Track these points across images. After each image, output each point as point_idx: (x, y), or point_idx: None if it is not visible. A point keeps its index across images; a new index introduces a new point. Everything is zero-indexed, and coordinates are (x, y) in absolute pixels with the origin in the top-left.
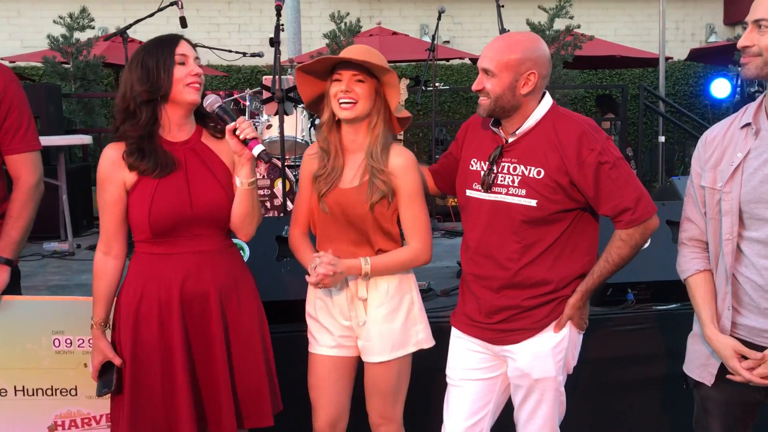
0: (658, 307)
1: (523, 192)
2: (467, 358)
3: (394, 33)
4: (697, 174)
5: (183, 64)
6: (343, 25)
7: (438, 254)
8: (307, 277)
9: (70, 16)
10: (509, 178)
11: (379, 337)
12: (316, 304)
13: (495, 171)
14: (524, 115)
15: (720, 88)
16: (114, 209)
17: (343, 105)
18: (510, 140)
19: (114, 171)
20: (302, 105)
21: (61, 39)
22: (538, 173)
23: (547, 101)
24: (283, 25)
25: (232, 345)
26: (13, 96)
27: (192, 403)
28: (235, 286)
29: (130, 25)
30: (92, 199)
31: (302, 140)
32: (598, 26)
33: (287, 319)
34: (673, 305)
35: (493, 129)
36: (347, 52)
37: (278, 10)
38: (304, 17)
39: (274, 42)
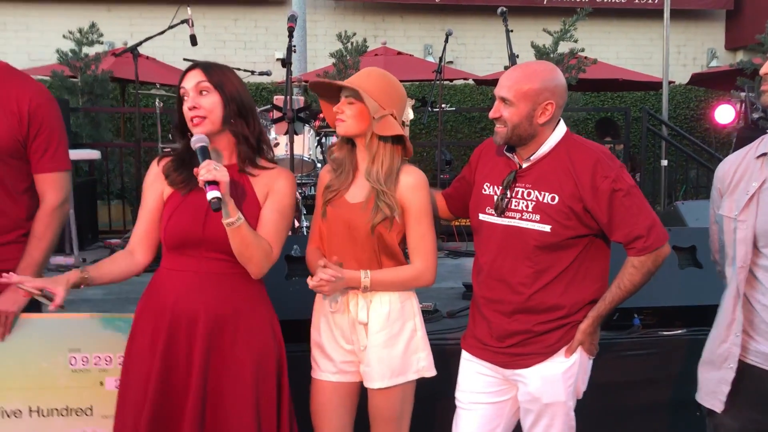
0: (664, 333)
1: (537, 217)
2: (477, 381)
3: (399, 53)
4: (716, 202)
5: (184, 99)
6: (349, 45)
7: (442, 274)
8: (308, 278)
9: (80, 31)
10: (523, 203)
11: (378, 363)
12: (320, 327)
13: (509, 196)
14: (539, 141)
15: (724, 114)
16: (146, 215)
17: (336, 122)
18: (524, 165)
19: (155, 181)
20: (310, 125)
21: (70, 54)
22: (552, 199)
23: (561, 128)
24: (295, 46)
25: (210, 379)
26: (45, 115)
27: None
28: (234, 315)
29: (141, 43)
30: (98, 214)
31: (309, 159)
32: (600, 49)
33: (295, 339)
34: (679, 331)
35: (507, 154)
36: (350, 78)
37: (290, 31)
38: (310, 35)
39: (286, 63)
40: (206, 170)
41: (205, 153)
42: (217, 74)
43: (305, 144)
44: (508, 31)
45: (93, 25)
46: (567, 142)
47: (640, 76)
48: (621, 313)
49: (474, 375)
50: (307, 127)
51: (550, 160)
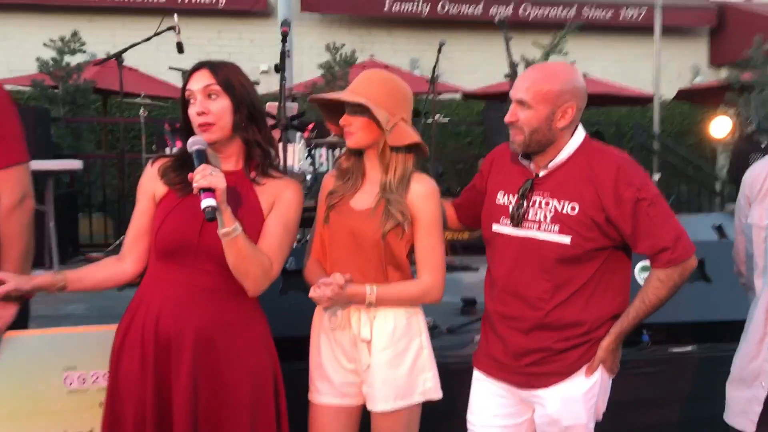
0: (674, 350)
1: (557, 228)
2: (491, 402)
3: (386, 66)
4: (744, 210)
5: (190, 102)
6: (338, 56)
7: None
8: (312, 289)
9: (61, 39)
10: (541, 213)
11: (382, 384)
12: (320, 345)
13: (525, 206)
14: (558, 148)
15: (720, 127)
16: (138, 220)
17: (345, 135)
18: (541, 174)
19: (148, 183)
20: (302, 133)
21: (51, 62)
22: (573, 209)
23: (581, 133)
24: (289, 50)
25: (200, 402)
26: None
27: None
28: (227, 333)
29: (125, 50)
30: (79, 227)
31: (299, 170)
32: (586, 64)
33: (290, 356)
34: (689, 347)
35: (523, 161)
36: (351, 85)
37: (284, 36)
38: (296, 48)
39: (280, 68)
40: (201, 175)
41: (202, 157)
42: (227, 75)
43: (295, 155)
44: (507, 39)
45: (75, 34)
46: (587, 148)
47: (628, 90)
48: None
49: (487, 395)
50: (298, 137)
51: (569, 168)
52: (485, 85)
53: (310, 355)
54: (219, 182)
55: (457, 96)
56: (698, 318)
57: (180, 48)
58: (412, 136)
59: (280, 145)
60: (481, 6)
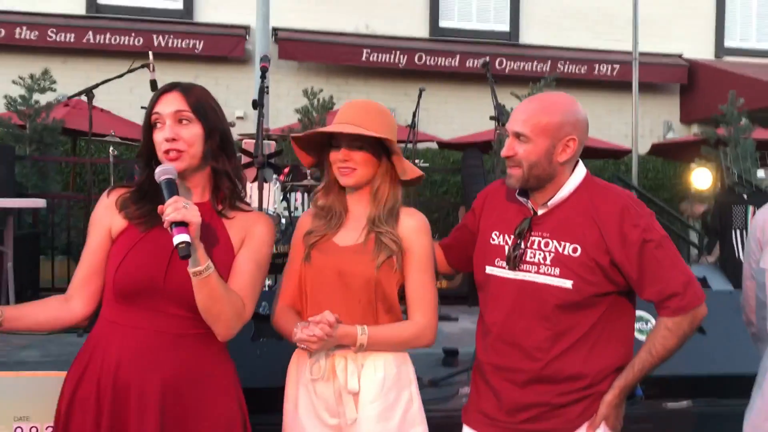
0: (670, 405)
1: (557, 271)
2: None
3: None
4: (754, 255)
5: (157, 126)
6: (316, 101)
7: None
8: (294, 331)
9: (31, 77)
10: (540, 254)
11: None
12: (297, 399)
13: (523, 246)
14: (557, 184)
15: (701, 178)
16: (91, 257)
17: (343, 171)
18: (540, 212)
19: (104, 215)
20: (277, 176)
21: (19, 99)
22: (575, 250)
23: (582, 169)
24: (268, 87)
25: None
26: None
27: None
28: (196, 382)
29: (97, 85)
30: (40, 269)
31: (274, 212)
32: None
33: (261, 408)
34: (685, 402)
35: (520, 199)
36: (343, 117)
37: (263, 71)
38: (273, 95)
39: (258, 104)
40: (173, 208)
41: (173, 187)
42: (199, 100)
43: (270, 197)
44: (492, 82)
45: (46, 72)
46: (588, 185)
47: (604, 143)
48: None
49: None
50: (273, 179)
51: (570, 206)
52: (461, 135)
53: (284, 409)
54: (193, 216)
55: (434, 145)
56: (693, 371)
57: (153, 85)
58: (415, 169)
59: (256, 184)
60: (457, 58)
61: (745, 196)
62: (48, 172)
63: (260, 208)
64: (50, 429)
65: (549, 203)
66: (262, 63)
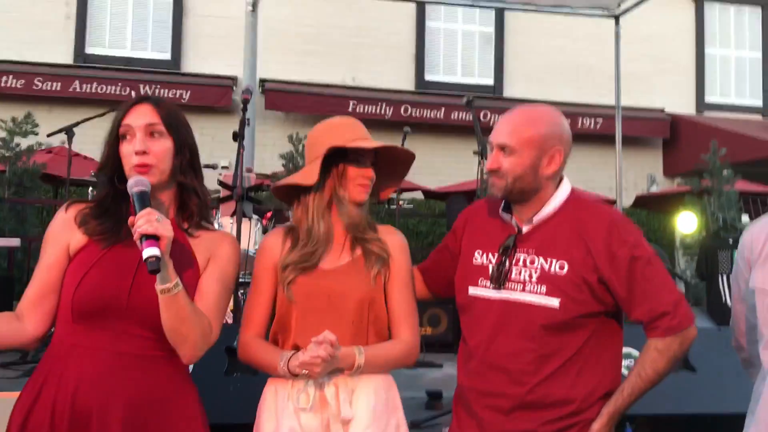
0: None
1: (544, 289)
2: None
3: None
4: (743, 276)
5: (125, 138)
6: (300, 146)
7: (400, 384)
8: (293, 358)
9: (13, 120)
10: (526, 272)
11: None
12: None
13: (508, 264)
14: (542, 199)
15: (686, 222)
16: (45, 274)
17: (365, 188)
18: (525, 229)
19: (61, 231)
20: (259, 218)
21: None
22: (561, 267)
23: (567, 185)
24: (249, 119)
25: None
26: None
27: None
28: (159, 408)
29: (77, 124)
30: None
31: (254, 254)
32: None
33: None
34: None
35: (503, 216)
36: (358, 132)
37: (245, 103)
38: (258, 144)
39: (238, 136)
40: (145, 220)
41: (145, 200)
42: (171, 114)
43: (251, 237)
44: (476, 118)
45: (29, 115)
46: (575, 200)
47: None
48: None
49: None
50: (254, 220)
51: (556, 222)
52: (446, 185)
53: None
54: (166, 230)
55: (419, 195)
56: (683, 410)
57: None
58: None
59: (234, 219)
60: (442, 110)
61: (731, 241)
62: (26, 216)
63: (239, 235)
64: None
65: (534, 219)
66: (243, 95)
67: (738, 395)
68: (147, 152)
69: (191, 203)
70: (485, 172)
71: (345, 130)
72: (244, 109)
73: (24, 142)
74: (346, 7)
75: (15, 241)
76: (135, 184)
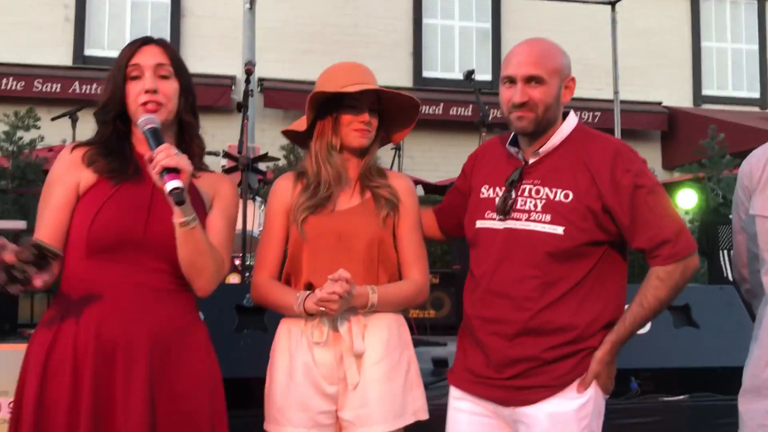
0: (665, 399)
1: (548, 218)
2: (469, 426)
3: None
4: (743, 204)
5: (136, 78)
6: None
7: None
8: (310, 297)
9: (15, 113)
10: (531, 202)
11: (379, 402)
12: (291, 368)
13: (514, 195)
14: (552, 131)
15: (686, 198)
16: (55, 215)
17: (363, 133)
18: (531, 160)
19: (68, 171)
20: (259, 195)
21: (2, 135)
22: (566, 196)
23: (573, 117)
24: (252, 90)
25: (158, 420)
26: None
27: None
28: (179, 338)
29: (81, 108)
30: (18, 302)
31: (259, 234)
32: None
33: (245, 402)
34: (681, 396)
35: (510, 149)
36: (356, 77)
37: (248, 74)
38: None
39: (242, 106)
40: (165, 154)
41: (158, 136)
42: (177, 56)
43: (255, 219)
44: (476, 91)
45: (31, 110)
46: (580, 132)
47: None
48: (617, 375)
49: (466, 420)
50: (258, 201)
51: (562, 153)
52: (447, 178)
53: (273, 381)
54: (187, 163)
55: (420, 190)
56: (687, 364)
57: None
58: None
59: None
60: (441, 107)
61: (731, 217)
62: (30, 209)
63: (245, 207)
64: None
65: (540, 151)
66: (246, 66)
67: (738, 350)
68: (157, 91)
69: (193, 144)
70: (513, 105)
71: (340, 75)
72: (248, 81)
73: (26, 136)
74: (343, 4)
75: (21, 224)
76: (146, 121)
